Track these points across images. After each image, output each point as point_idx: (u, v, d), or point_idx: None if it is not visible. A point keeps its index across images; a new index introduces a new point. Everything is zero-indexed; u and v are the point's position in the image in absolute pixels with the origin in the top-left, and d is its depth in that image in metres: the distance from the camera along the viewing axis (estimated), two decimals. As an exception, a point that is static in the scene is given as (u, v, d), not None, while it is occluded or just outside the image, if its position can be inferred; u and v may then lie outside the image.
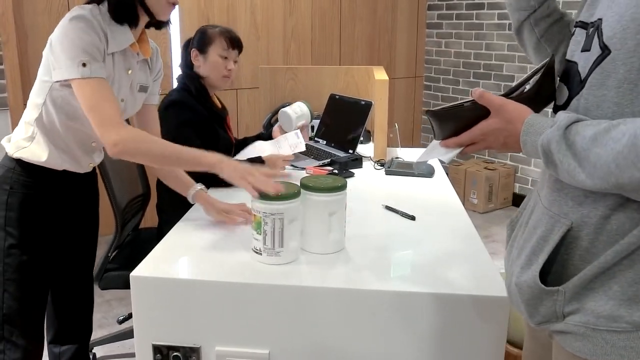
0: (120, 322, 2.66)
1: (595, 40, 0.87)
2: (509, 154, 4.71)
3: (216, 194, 2.01)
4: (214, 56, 2.23)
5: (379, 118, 2.43)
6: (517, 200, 4.67)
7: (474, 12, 4.87)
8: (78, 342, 1.95)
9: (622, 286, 0.83)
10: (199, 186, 1.80)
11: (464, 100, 1.01)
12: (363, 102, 2.58)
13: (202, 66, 2.24)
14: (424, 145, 5.53)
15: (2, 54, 3.29)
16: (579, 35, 0.95)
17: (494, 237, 4.04)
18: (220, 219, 1.70)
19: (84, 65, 1.46)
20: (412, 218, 1.75)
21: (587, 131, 0.81)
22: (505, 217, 4.47)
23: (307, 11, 4.57)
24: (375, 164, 2.40)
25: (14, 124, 3.26)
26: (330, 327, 1.32)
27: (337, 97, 2.76)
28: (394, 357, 1.32)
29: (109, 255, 2.14)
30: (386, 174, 2.28)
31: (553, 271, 0.93)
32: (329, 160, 2.41)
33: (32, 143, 1.61)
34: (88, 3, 1.56)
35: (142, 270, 1.38)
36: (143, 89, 1.76)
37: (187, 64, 2.27)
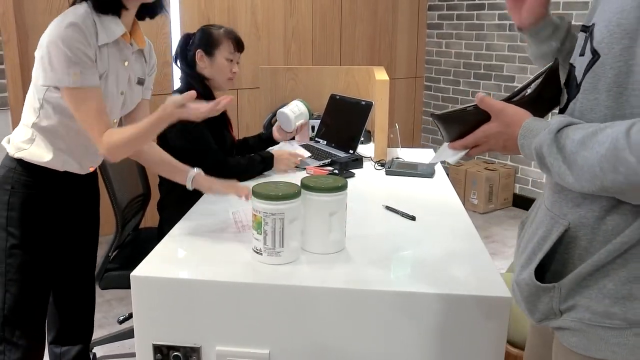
0: (121, 322, 2.66)
1: (588, 44, 0.90)
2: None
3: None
4: (221, 59, 2.24)
5: (379, 118, 2.43)
6: (517, 200, 4.67)
7: (475, 12, 4.87)
8: (79, 343, 1.95)
9: (616, 284, 0.85)
10: (196, 170, 1.78)
11: (468, 105, 1.04)
12: (363, 103, 2.58)
13: (207, 68, 2.24)
14: (424, 146, 5.53)
15: (3, 54, 3.29)
16: (580, 39, 0.97)
17: (494, 238, 4.04)
18: (229, 191, 1.70)
19: (75, 74, 1.46)
20: (413, 218, 1.75)
21: (576, 135, 0.83)
22: (506, 217, 4.47)
23: (308, 11, 4.57)
24: (376, 164, 2.40)
25: (15, 123, 3.27)
26: (331, 327, 1.32)
27: (338, 97, 2.76)
28: (394, 357, 1.32)
29: (110, 255, 2.14)
30: (386, 174, 2.28)
31: (553, 270, 0.95)
32: (329, 160, 2.41)
33: (32, 145, 1.61)
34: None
35: (143, 270, 1.38)
36: (140, 81, 1.75)
37: (188, 64, 2.26)
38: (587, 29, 0.93)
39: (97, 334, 2.64)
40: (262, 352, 1.35)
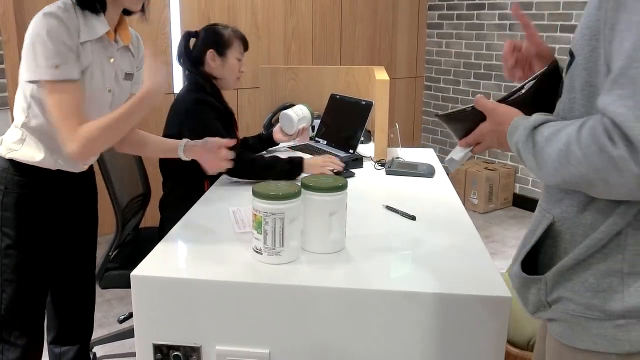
0: (121, 321, 2.66)
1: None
2: (509, 154, 4.71)
3: (213, 193, 2.01)
4: (232, 59, 2.26)
5: (379, 118, 2.43)
6: (517, 200, 4.67)
7: (475, 12, 4.87)
8: (79, 343, 1.95)
9: (597, 278, 0.88)
10: (185, 140, 1.82)
11: (468, 105, 1.11)
12: (364, 102, 2.58)
13: (218, 68, 2.24)
14: (425, 146, 5.53)
15: (3, 53, 3.29)
16: None
17: (494, 237, 4.04)
18: (217, 155, 1.77)
19: (56, 67, 1.44)
20: (413, 218, 1.75)
21: (546, 131, 0.88)
22: (506, 217, 4.47)
23: (308, 11, 4.57)
24: (376, 164, 2.40)
25: (15, 123, 3.27)
26: (331, 326, 1.32)
27: (338, 97, 2.76)
28: (394, 356, 1.32)
29: (110, 254, 2.14)
30: (387, 174, 2.28)
31: (542, 263, 0.99)
32: (329, 160, 2.40)
33: (23, 146, 1.60)
34: None
35: (143, 269, 1.38)
36: (128, 76, 1.74)
37: (194, 63, 2.25)
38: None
39: (97, 334, 2.64)
40: (262, 351, 1.35)
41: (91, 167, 1.81)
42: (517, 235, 4.07)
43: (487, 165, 4.68)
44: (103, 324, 2.81)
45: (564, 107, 0.93)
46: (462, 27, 5.01)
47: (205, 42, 2.24)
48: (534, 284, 0.97)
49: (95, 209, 1.90)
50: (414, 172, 2.25)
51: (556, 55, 1.15)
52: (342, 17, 4.79)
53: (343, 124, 2.64)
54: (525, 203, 4.58)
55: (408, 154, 2.64)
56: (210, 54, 2.22)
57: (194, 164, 2.14)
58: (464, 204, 1.95)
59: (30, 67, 1.46)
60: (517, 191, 4.70)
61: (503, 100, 1.09)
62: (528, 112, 1.01)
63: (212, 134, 2.06)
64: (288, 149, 2.66)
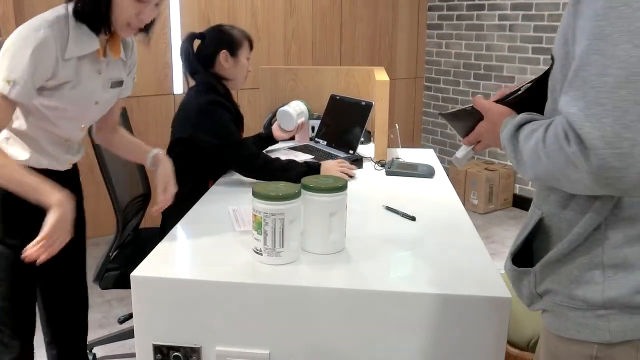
0: (121, 322, 2.66)
1: None
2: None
3: (214, 193, 2.01)
4: (243, 59, 2.27)
5: (379, 119, 2.43)
6: (517, 201, 4.67)
7: (475, 13, 4.88)
8: (75, 344, 1.94)
9: (580, 271, 0.92)
10: (156, 150, 1.79)
11: (468, 105, 1.16)
12: (364, 103, 2.58)
13: (231, 68, 2.25)
14: (425, 146, 5.53)
15: (3, 54, 3.29)
16: None
17: (494, 238, 4.04)
18: (159, 188, 1.72)
19: (9, 82, 1.40)
20: (413, 219, 1.75)
21: (526, 130, 0.93)
22: (506, 217, 4.47)
23: (308, 12, 4.57)
24: (376, 165, 2.40)
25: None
26: (331, 327, 1.32)
27: (338, 97, 2.77)
28: (393, 357, 1.32)
29: (110, 255, 2.14)
30: (387, 174, 2.28)
31: (535, 257, 1.03)
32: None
33: (8, 145, 1.58)
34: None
35: (143, 270, 1.38)
36: (117, 84, 1.71)
37: (204, 64, 2.24)
38: None
39: (97, 334, 2.64)
40: (263, 352, 1.35)
41: (75, 165, 1.80)
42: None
43: (487, 166, 4.68)
44: (103, 324, 2.81)
45: (548, 108, 0.98)
46: (462, 27, 5.01)
47: (217, 43, 2.23)
48: (525, 277, 1.02)
49: (82, 207, 1.87)
50: (414, 172, 2.25)
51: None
52: (342, 17, 4.79)
53: (343, 124, 2.64)
54: (525, 203, 4.58)
55: (408, 155, 2.64)
56: (223, 54, 2.22)
57: (199, 165, 2.15)
58: (464, 205, 1.95)
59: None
60: (517, 192, 4.70)
61: (500, 101, 1.12)
62: (520, 112, 1.05)
63: (227, 134, 2.07)
64: (289, 149, 2.66)
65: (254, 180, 2.09)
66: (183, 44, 2.24)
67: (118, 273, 2.11)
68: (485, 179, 4.48)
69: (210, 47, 2.24)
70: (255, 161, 2.05)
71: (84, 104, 1.60)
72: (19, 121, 1.56)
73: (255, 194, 1.38)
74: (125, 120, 2.42)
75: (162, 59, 3.88)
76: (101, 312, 2.92)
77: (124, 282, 2.09)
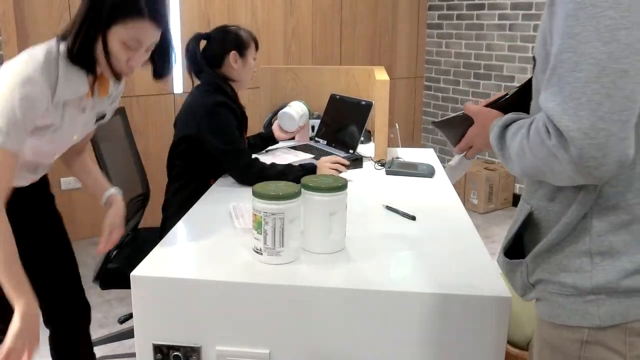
0: (121, 321, 2.66)
1: None
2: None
3: (214, 193, 2.01)
4: (251, 60, 2.28)
5: (379, 118, 2.43)
6: (517, 200, 4.66)
7: (475, 12, 4.87)
8: (71, 321, 1.92)
9: (569, 259, 0.97)
10: (115, 189, 1.76)
11: (459, 112, 1.22)
12: (364, 103, 2.58)
13: (239, 69, 2.25)
14: (424, 146, 5.53)
15: (3, 53, 3.29)
16: None
17: (494, 238, 4.04)
18: (105, 230, 1.68)
19: (1, 132, 1.35)
20: (413, 218, 1.75)
21: (513, 129, 0.98)
22: (506, 217, 4.47)
23: (308, 11, 4.57)
24: (376, 164, 2.40)
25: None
26: (331, 327, 1.32)
27: (338, 97, 2.77)
28: (393, 356, 1.32)
29: (110, 254, 2.14)
30: (387, 174, 2.28)
31: (526, 249, 1.07)
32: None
33: None
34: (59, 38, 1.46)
35: (143, 269, 1.38)
36: (100, 118, 1.69)
37: (211, 64, 2.23)
38: None
39: (97, 334, 2.64)
40: (263, 352, 1.35)
41: (45, 175, 1.77)
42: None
43: (487, 166, 4.68)
44: (103, 324, 2.81)
45: (533, 107, 1.04)
46: (462, 27, 5.01)
47: (226, 44, 2.23)
48: (517, 268, 1.06)
49: (54, 207, 1.85)
50: (414, 172, 2.25)
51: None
52: (342, 17, 4.79)
53: (343, 124, 2.64)
54: (525, 203, 4.58)
55: (408, 154, 2.64)
56: (233, 55, 2.22)
57: (202, 163, 2.15)
58: (463, 204, 1.95)
59: None
60: (517, 191, 4.70)
61: (490, 105, 1.19)
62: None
63: (231, 140, 2.07)
64: (289, 149, 2.66)
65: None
66: (190, 44, 2.23)
67: (118, 273, 2.12)
68: (485, 179, 4.48)
69: (218, 47, 2.23)
70: (252, 171, 2.05)
71: (63, 141, 1.58)
72: None
73: (256, 194, 1.38)
74: (124, 120, 2.42)
75: (162, 59, 3.88)
76: (101, 312, 2.92)
77: (123, 282, 2.09)
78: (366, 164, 2.42)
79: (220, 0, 4.10)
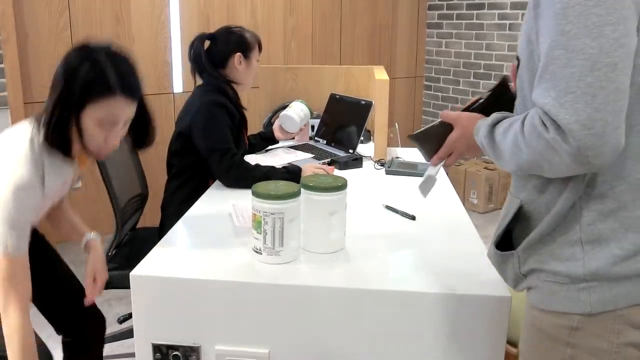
0: (121, 321, 2.66)
1: None
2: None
3: (213, 192, 2.01)
4: (254, 62, 2.28)
5: (379, 118, 2.43)
6: (517, 200, 4.66)
7: (475, 12, 4.87)
8: (86, 333, 1.92)
9: (561, 248, 0.99)
10: (93, 234, 1.75)
11: (435, 121, 1.25)
12: (363, 102, 2.58)
13: (243, 71, 2.24)
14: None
15: (2, 53, 3.28)
16: None
17: (494, 237, 4.03)
18: (88, 276, 1.67)
19: (10, 240, 1.36)
20: (412, 218, 1.75)
21: (502, 127, 1.02)
22: (505, 217, 4.46)
23: (308, 10, 4.57)
24: (376, 164, 2.40)
25: (14, 122, 3.26)
26: (330, 326, 1.32)
27: (338, 96, 2.76)
28: (393, 356, 1.32)
29: (109, 254, 2.14)
30: (386, 173, 2.28)
31: (516, 242, 1.09)
32: (329, 159, 2.41)
33: None
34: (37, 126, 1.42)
35: (142, 269, 1.38)
36: (78, 179, 1.69)
37: (214, 64, 2.22)
38: None
39: (96, 334, 2.63)
40: (262, 351, 1.34)
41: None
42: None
43: (486, 165, 4.68)
44: (102, 323, 2.80)
45: (519, 105, 1.07)
46: (461, 26, 5.01)
47: (230, 45, 2.23)
48: (509, 259, 1.08)
49: (47, 245, 1.84)
50: (414, 171, 2.25)
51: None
52: (342, 16, 4.79)
53: (343, 123, 2.64)
54: (524, 203, 4.58)
55: (408, 154, 2.64)
56: (237, 57, 2.22)
57: (199, 164, 2.15)
58: (463, 204, 1.95)
59: None
60: (516, 191, 4.70)
61: (465, 110, 1.24)
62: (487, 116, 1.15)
63: (218, 139, 2.06)
64: (288, 148, 2.66)
65: None
66: (195, 43, 2.22)
67: (117, 273, 2.11)
68: (485, 179, 4.48)
69: (222, 48, 2.23)
70: (235, 171, 2.03)
71: (45, 207, 1.57)
72: None
73: (255, 193, 1.38)
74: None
75: (162, 58, 3.87)
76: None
77: (123, 282, 2.09)
78: (366, 163, 2.42)
79: (220, -1, 4.10)
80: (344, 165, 2.33)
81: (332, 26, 4.74)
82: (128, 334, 2.58)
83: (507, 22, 4.61)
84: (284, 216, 1.37)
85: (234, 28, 2.27)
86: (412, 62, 5.34)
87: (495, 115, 1.07)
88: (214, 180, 2.16)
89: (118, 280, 2.10)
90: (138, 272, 1.36)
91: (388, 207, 1.84)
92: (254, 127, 4.24)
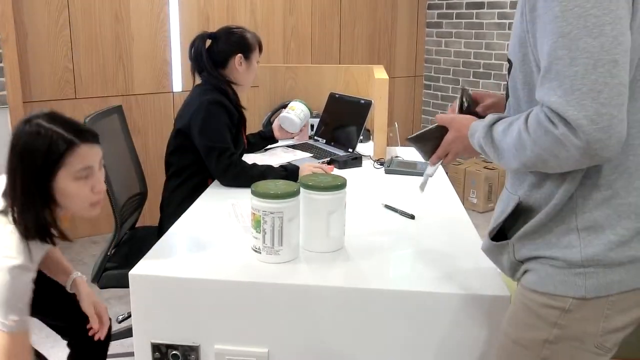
0: (120, 321, 2.66)
1: None
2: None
3: (213, 191, 2.01)
4: (254, 63, 2.28)
5: (378, 117, 2.43)
6: (517, 199, 4.66)
7: (474, 11, 4.87)
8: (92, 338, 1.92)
9: (558, 238, 1.03)
10: (78, 274, 1.73)
11: (432, 125, 1.30)
12: (363, 101, 2.58)
13: (243, 72, 2.24)
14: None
15: (2, 52, 3.28)
16: None
17: (494, 237, 4.03)
18: (90, 312, 1.67)
19: (14, 320, 1.34)
20: (412, 217, 1.75)
21: (500, 127, 1.05)
22: (505, 216, 4.46)
23: (307, 10, 4.57)
24: (375, 163, 2.40)
25: (13, 121, 3.26)
26: (330, 325, 1.32)
27: (337, 96, 2.76)
28: (392, 356, 1.32)
29: (108, 253, 2.13)
30: (386, 173, 2.28)
31: (510, 233, 1.12)
32: (328, 159, 2.41)
33: None
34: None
35: (141, 268, 1.38)
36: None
37: (215, 64, 2.22)
38: None
39: (95, 333, 2.63)
40: (261, 350, 1.34)
41: None
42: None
43: (486, 165, 4.68)
44: (102, 323, 2.80)
45: (512, 105, 1.10)
46: (461, 26, 5.01)
47: (232, 46, 2.22)
48: (504, 249, 1.12)
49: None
50: (413, 171, 2.25)
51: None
52: (342, 15, 4.78)
53: (342, 123, 2.64)
54: (524, 202, 4.58)
55: (407, 153, 2.64)
56: (238, 58, 2.22)
57: (197, 163, 2.15)
58: (463, 203, 1.95)
59: None
60: (516, 190, 4.70)
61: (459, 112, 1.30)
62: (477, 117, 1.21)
63: (217, 138, 2.06)
64: (288, 147, 2.66)
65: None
66: (195, 43, 2.22)
67: (116, 272, 2.11)
68: (485, 178, 4.48)
69: (223, 48, 2.22)
70: (232, 170, 2.03)
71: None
72: None
73: (254, 193, 1.37)
74: (122, 118, 2.42)
75: (161, 57, 3.87)
76: (100, 311, 2.91)
77: (122, 281, 2.09)
78: (365, 162, 2.42)
79: (219, -2, 4.10)
80: (344, 164, 2.33)
81: (331, 26, 4.74)
82: (127, 333, 2.57)
83: (507, 21, 4.60)
84: (284, 215, 1.37)
85: (235, 28, 2.27)
86: (412, 61, 5.34)
87: (491, 116, 1.10)
88: (214, 179, 2.16)
89: (117, 280, 2.10)
90: (137, 271, 1.36)
91: (387, 207, 1.84)
92: (254, 126, 4.24)
